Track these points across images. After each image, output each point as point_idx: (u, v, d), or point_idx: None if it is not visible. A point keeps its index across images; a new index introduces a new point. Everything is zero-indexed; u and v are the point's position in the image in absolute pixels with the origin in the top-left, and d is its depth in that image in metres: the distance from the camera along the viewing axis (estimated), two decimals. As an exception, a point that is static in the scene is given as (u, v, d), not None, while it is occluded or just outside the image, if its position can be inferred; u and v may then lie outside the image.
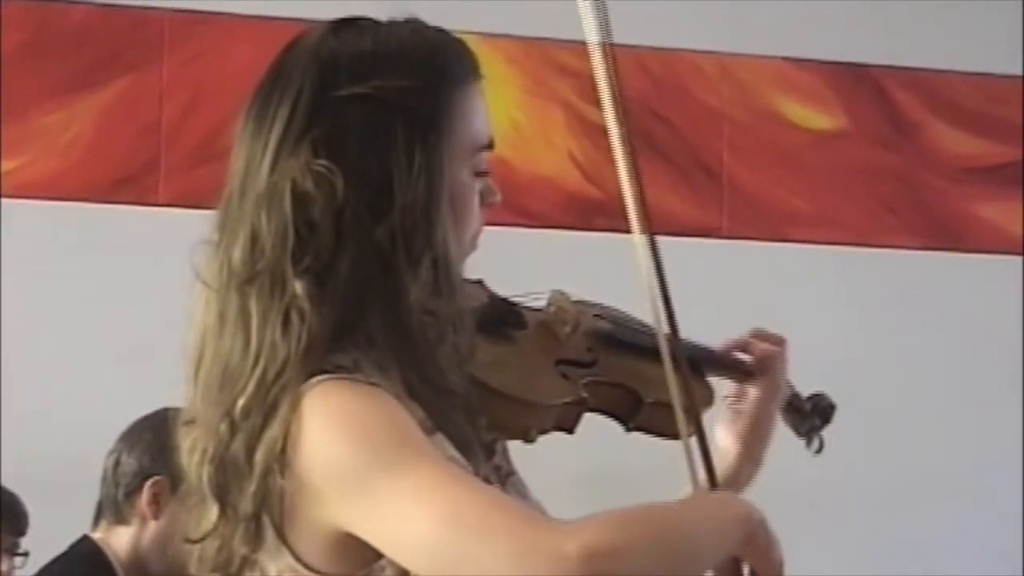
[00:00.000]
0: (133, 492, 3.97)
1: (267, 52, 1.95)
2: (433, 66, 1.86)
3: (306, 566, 1.77)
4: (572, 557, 1.53)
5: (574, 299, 2.14)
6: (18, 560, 4.53)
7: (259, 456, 1.73)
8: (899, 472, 5.74)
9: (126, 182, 5.74)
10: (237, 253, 1.79)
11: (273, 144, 1.81)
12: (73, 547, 4.01)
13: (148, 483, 3.92)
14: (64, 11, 5.79)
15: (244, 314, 1.79)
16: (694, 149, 6.21)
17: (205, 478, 1.81)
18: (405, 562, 1.73)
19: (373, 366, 1.76)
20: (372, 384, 1.73)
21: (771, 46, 6.24)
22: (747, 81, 6.29)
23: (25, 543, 4.59)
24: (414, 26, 1.89)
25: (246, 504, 1.76)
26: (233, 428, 1.77)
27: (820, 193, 6.34)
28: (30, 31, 5.63)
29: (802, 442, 2.33)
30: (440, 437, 1.75)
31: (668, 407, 2.06)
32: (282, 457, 1.73)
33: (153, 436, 3.89)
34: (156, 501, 3.94)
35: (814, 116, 6.33)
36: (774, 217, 6.23)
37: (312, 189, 1.76)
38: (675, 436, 2.08)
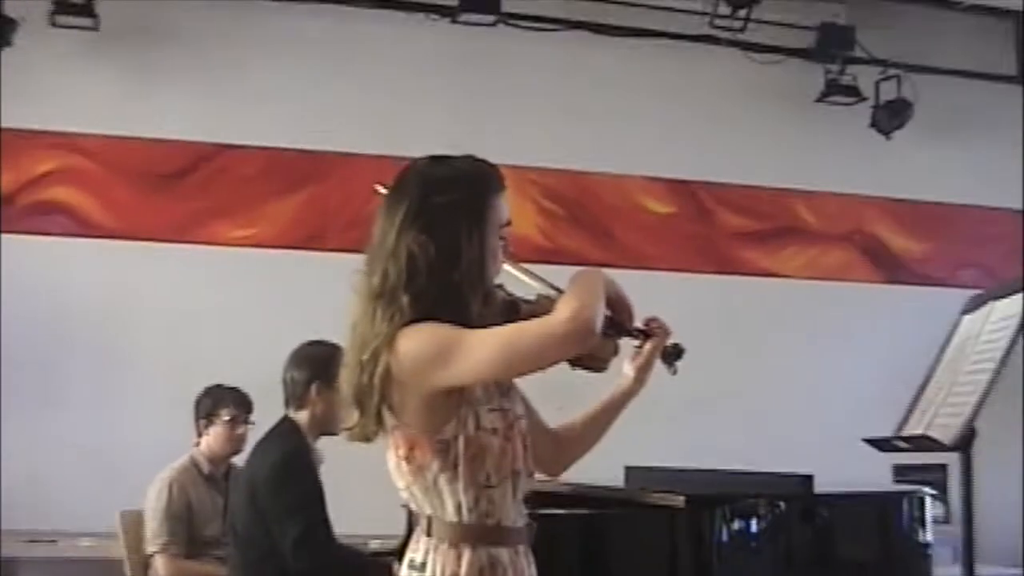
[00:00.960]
0: (305, 391, 5.02)
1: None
2: (481, 182, 2.79)
3: (408, 426, 2.68)
4: (567, 318, 2.53)
5: (549, 295, 2.89)
6: (249, 427, 5.99)
7: (375, 380, 2.64)
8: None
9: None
10: (376, 280, 2.69)
11: (397, 224, 2.70)
12: (280, 422, 5.09)
13: (313, 385, 5.00)
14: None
15: (373, 314, 2.69)
16: (599, 221, 9.51)
17: (351, 394, 2.71)
18: (488, 371, 2.65)
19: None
20: (432, 320, 2.64)
21: (636, 168, 9.55)
22: (624, 186, 9.60)
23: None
24: (470, 159, 2.83)
25: (372, 405, 2.66)
26: (362, 368, 2.67)
27: (659, 242, 9.68)
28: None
29: (667, 369, 3.07)
30: None
31: (597, 356, 2.93)
32: (388, 375, 2.64)
33: (308, 357, 5.06)
34: (319, 393, 4.98)
35: (660, 206, 9.76)
36: (641, 256, 9.45)
37: (418, 251, 2.66)
38: (600, 371, 2.95)
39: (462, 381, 2.63)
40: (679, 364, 3.06)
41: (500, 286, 2.90)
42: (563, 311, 2.54)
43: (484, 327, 2.65)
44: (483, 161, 2.84)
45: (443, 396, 2.65)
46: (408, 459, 2.72)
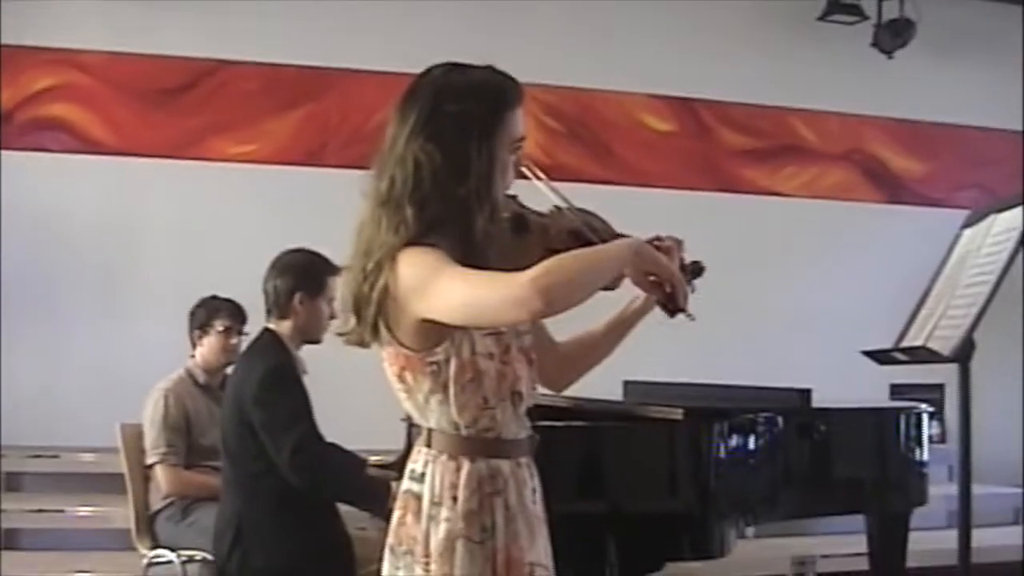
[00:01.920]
0: (288, 300, 4.99)
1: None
2: (495, 95, 2.73)
3: (401, 344, 2.68)
4: (526, 282, 2.43)
5: (563, 208, 2.89)
6: (243, 338, 5.96)
7: (375, 293, 2.63)
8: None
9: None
10: (383, 185, 2.68)
11: (407, 131, 2.67)
12: (260, 334, 5.09)
13: (296, 295, 4.97)
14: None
15: (378, 221, 2.67)
16: (599, 138, 9.61)
17: (350, 300, 2.71)
18: (451, 319, 2.59)
19: (443, 245, 2.62)
20: (434, 248, 2.59)
21: (637, 85, 9.63)
22: (625, 103, 9.75)
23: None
24: (488, 70, 2.76)
25: (369, 315, 2.66)
26: (365, 277, 2.65)
27: (660, 160, 9.77)
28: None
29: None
30: None
31: None
32: (386, 290, 2.62)
33: (290, 266, 5.03)
34: (302, 303, 4.98)
35: (660, 123, 9.88)
36: (640, 174, 9.68)
37: (424, 160, 2.63)
38: (611, 288, 2.77)
39: (435, 318, 2.60)
40: (696, 283, 3.05)
41: (515, 197, 2.87)
42: (528, 276, 2.45)
43: (489, 245, 2.66)
44: (503, 73, 2.77)
45: (433, 321, 2.62)
46: (400, 378, 2.74)
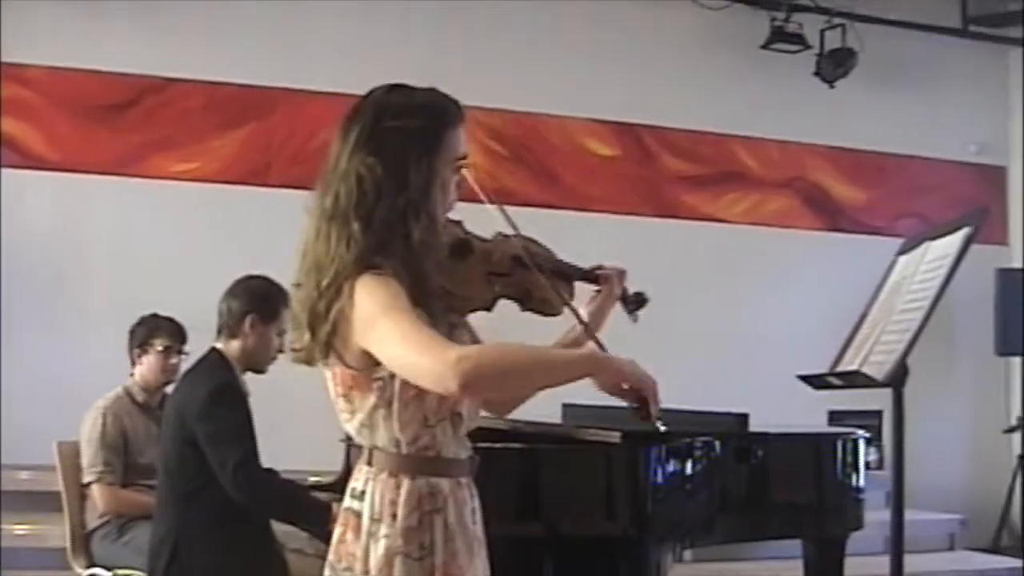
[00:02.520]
0: (240, 322, 5.00)
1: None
2: (436, 112, 2.80)
3: (348, 365, 2.72)
4: (452, 360, 2.44)
5: (507, 235, 2.95)
6: (183, 357, 5.97)
7: (332, 314, 2.66)
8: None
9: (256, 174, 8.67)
10: (328, 201, 2.73)
11: (349, 148, 2.74)
12: (207, 353, 5.07)
13: (248, 317, 5.00)
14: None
15: (327, 235, 2.71)
16: (543, 162, 9.59)
17: (304, 318, 2.73)
18: (382, 361, 2.63)
19: (392, 269, 2.65)
20: (389, 276, 2.63)
21: (581, 110, 9.64)
22: (568, 128, 9.71)
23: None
24: (430, 91, 2.84)
25: (323, 334, 2.68)
26: (320, 295, 2.68)
27: (603, 185, 9.80)
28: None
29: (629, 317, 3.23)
30: (419, 311, 2.61)
31: (547, 300, 2.97)
32: (342, 312, 2.65)
33: (248, 290, 5.06)
34: (253, 326, 4.99)
35: (603, 148, 9.86)
36: (583, 199, 9.64)
37: (366, 173, 2.69)
38: (552, 315, 2.97)
39: (373, 353, 2.65)
40: (640, 313, 3.14)
41: (459, 223, 2.93)
42: (455, 355, 2.49)
43: (429, 260, 2.72)
44: (444, 94, 2.85)
45: None
46: (347, 398, 2.76)
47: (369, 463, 2.79)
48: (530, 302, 2.97)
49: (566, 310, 2.98)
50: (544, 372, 2.62)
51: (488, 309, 2.87)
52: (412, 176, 2.71)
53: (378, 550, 2.72)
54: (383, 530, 2.73)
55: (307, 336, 2.72)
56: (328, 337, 2.68)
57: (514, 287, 2.93)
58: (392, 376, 2.68)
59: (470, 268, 2.90)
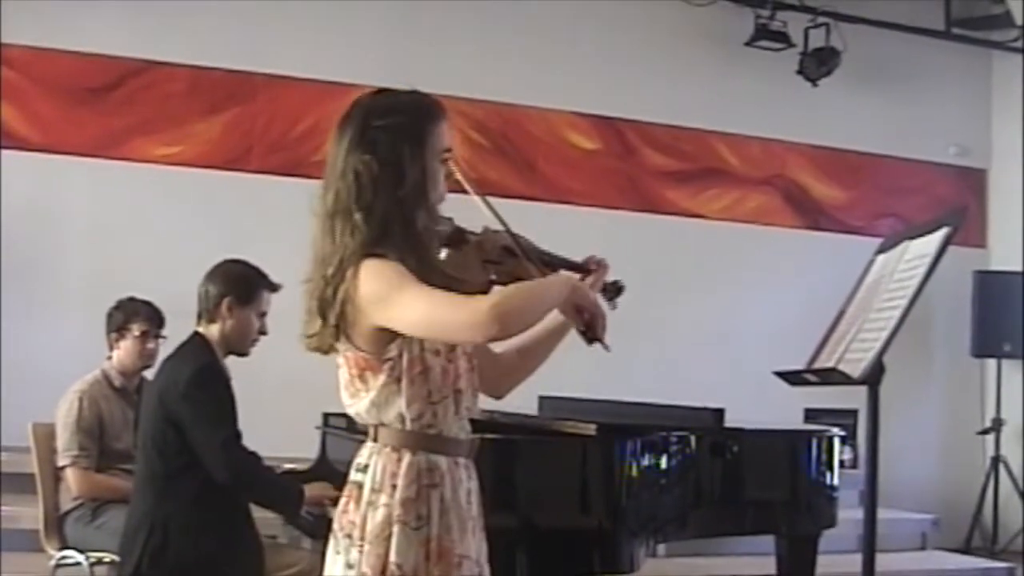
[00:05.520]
0: (217, 305, 5.02)
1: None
2: (420, 109, 2.99)
3: (358, 348, 2.92)
4: (486, 308, 2.70)
5: (493, 229, 3.11)
6: (161, 341, 5.95)
7: (339, 297, 2.85)
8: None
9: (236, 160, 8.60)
10: (329, 199, 2.94)
11: (344, 149, 2.94)
12: (190, 337, 5.07)
13: (225, 300, 5.01)
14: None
15: (331, 230, 2.91)
16: (524, 154, 9.61)
17: (314, 305, 2.92)
18: (409, 331, 2.84)
19: (396, 255, 2.84)
20: (393, 260, 2.83)
21: (563, 103, 9.72)
22: (550, 120, 9.74)
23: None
24: (414, 92, 3.05)
25: (332, 318, 2.87)
26: (327, 283, 2.88)
27: (583, 178, 9.84)
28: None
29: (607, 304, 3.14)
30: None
31: None
32: (347, 294, 2.84)
33: (225, 273, 5.07)
34: (230, 308, 5.00)
35: (585, 141, 9.91)
36: (563, 191, 9.69)
37: (362, 169, 2.89)
38: None
39: (393, 328, 2.83)
40: (619, 300, 3.19)
41: (450, 219, 3.08)
42: (488, 302, 2.74)
43: (431, 246, 2.96)
44: (425, 94, 3.04)
45: (387, 328, 2.86)
46: (361, 378, 2.94)
47: (375, 439, 2.98)
48: None
49: None
50: (544, 299, 2.88)
51: (485, 293, 2.98)
52: (407, 168, 2.91)
53: (376, 517, 2.90)
54: (383, 499, 2.91)
55: (318, 323, 2.91)
56: (337, 320, 2.87)
57: (506, 275, 3.06)
58: (400, 355, 2.88)
59: (466, 256, 3.08)
